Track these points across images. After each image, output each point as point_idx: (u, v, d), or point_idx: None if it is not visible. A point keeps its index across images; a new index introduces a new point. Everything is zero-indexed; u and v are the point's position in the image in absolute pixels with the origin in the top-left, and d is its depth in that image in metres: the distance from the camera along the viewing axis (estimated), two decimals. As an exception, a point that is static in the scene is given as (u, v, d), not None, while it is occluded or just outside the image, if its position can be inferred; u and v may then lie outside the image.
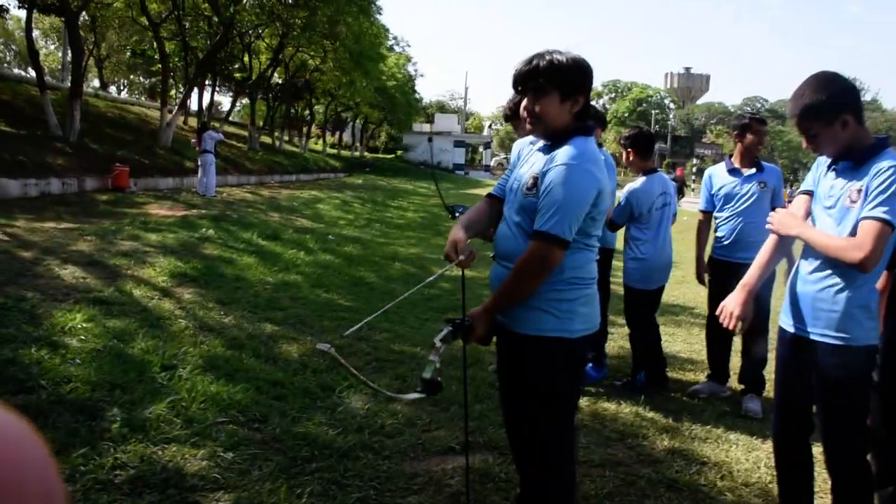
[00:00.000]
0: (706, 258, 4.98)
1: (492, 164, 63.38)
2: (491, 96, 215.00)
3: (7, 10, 19.14)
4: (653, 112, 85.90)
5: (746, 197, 4.64)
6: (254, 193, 18.99)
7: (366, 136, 58.40)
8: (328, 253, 9.47)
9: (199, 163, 16.53)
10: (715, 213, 4.85)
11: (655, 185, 4.70)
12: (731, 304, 2.72)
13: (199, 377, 4.11)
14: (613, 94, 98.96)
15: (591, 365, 5.06)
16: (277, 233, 10.25)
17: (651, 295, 4.89)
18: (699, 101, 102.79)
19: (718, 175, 4.82)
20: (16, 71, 32.63)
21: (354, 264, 8.95)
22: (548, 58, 2.19)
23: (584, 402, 4.48)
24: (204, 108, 30.10)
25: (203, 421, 3.57)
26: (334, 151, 49.76)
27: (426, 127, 63.78)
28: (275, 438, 3.51)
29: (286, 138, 39.60)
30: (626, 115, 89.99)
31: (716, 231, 4.88)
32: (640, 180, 4.71)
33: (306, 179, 30.54)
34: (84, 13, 20.96)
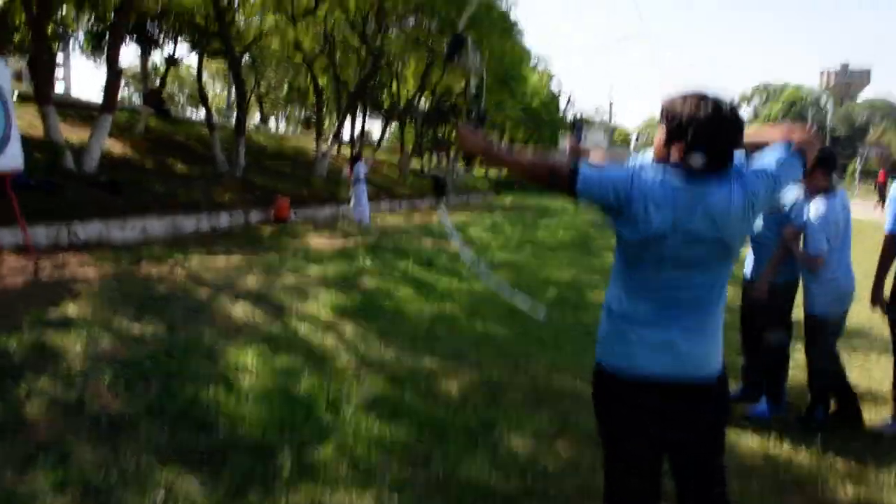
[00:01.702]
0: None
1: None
2: (636, 108, 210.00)
3: (180, 61, 20.84)
4: (809, 112, 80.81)
5: None
6: (406, 219, 19.44)
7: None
8: (481, 280, 9.50)
9: (353, 193, 17.14)
10: None
11: (839, 205, 4.33)
12: None
13: (362, 416, 4.20)
14: (765, 97, 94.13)
15: (766, 401, 4.75)
16: (432, 260, 10.40)
17: (836, 321, 4.47)
18: (860, 99, 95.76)
19: None
20: (188, 112, 35.44)
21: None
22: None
23: (754, 443, 4.20)
24: (356, 136, 31.31)
25: (368, 462, 3.64)
26: (482, 171, 50.21)
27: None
28: (439, 481, 3.51)
29: (434, 162, 40.44)
30: (780, 117, 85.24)
31: None
32: (822, 203, 4.30)
33: (456, 202, 30.98)
34: (246, 55, 22.34)
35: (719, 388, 2.20)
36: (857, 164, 65.22)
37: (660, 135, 2.14)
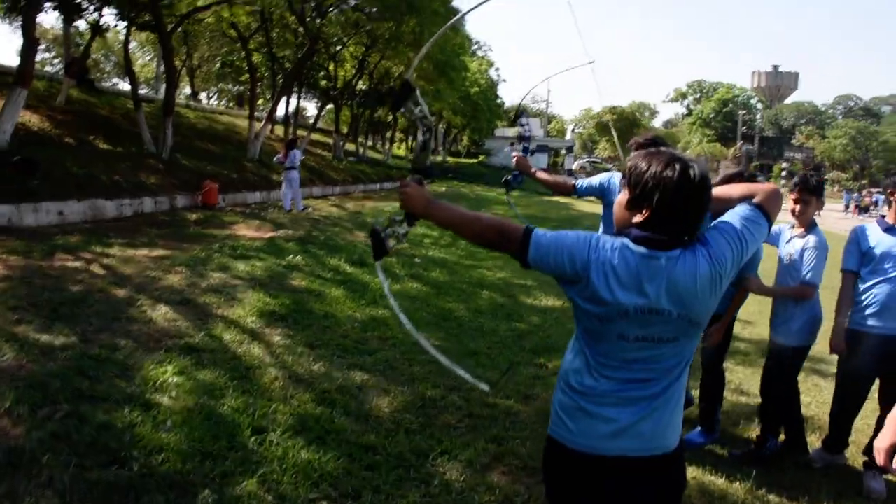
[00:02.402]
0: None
1: (574, 167, 62.51)
2: (573, 99, 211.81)
3: (107, 29, 19.92)
4: (740, 113, 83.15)
5: None
6: (338, 206, 19.09)
7: (448, 141, 58.49)
8: (415, 280, 9.32)
9: (284, 178, 16.78)
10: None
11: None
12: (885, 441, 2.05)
13: (290, 441, 3.98)
14: (698, 95, 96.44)
15: (698, 428, 4.71)
16: (364, 258, 10.15)
17: (807, 351, 4.47)
18: (788, 101, 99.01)
19: (872, 233, 4.22)
20: (114, 81, 34.02)
21: (442, 293, 8.76)
22: None
23: (690, 473, 4.14)
24: (290, 117, 30.66)
25: (295, 499, 3.43)
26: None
27: (509, 131, 63.56)
28: (369, 520, 3.33)
29: (370, 144, 39.99)
30: (712, 115, 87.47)
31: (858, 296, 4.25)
32: (819, 232, 4.27)
33: (390, 188, 30.69)
34: (178, 28, 21.51)
35: (679, 454, 2.07)
36: (782, 166, 67.52)
37: (622, 197, 1.98)
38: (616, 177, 4.38)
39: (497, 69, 60.99)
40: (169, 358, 5.06)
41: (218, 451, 3.79)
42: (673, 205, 1.83)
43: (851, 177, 77.05)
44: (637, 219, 1.88)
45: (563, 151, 70.10)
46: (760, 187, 2.09)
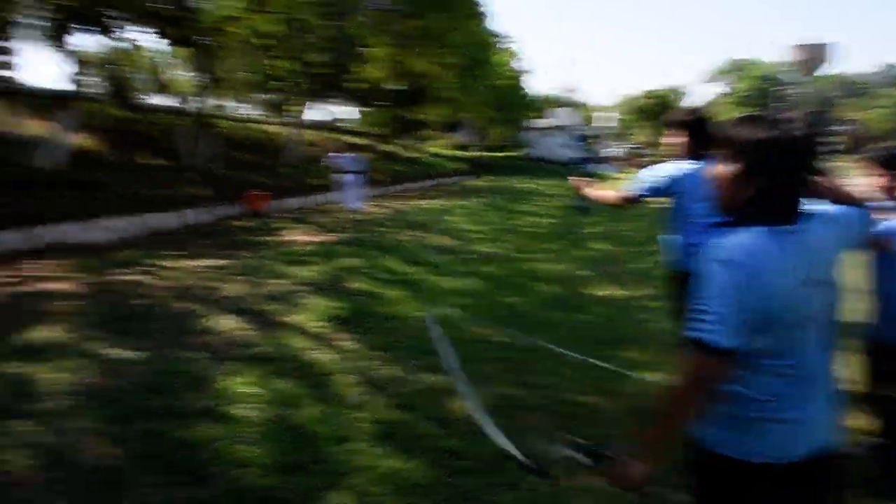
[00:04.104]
0: None
1: (619, 153, 61.63)
2: (604, 83, 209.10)
3: (142, 47, 20.25)
4: (783, 89, 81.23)
5: None
6: (381, 206, 19.03)
7: (481, 136, 58.21)
8: (471, 276, 9.16)
9: (345, 181, 17.51)
10: None
11: None
12: None
13: (374, 450, 3.86)
14: (738, 73, 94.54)
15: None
16: (417, 255, 10.04)
17: None
18: (826, 72, 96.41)
19: None
20: (152, 98, 34.36)
21: (499, 288, 8.60)
22: None
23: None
24: (324, 122, 30.75)
25: (391, 508, 3.30)
26: (452, 153, 49.80)
27: (541, 122, 63.12)
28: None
29: (405, 144, 39.95)
30: (750, 94, 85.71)
31: None
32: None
33: (429, 185, 30.61)
34: (208, 40, 21.66)
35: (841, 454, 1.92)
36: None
37: (727, 171, 1.80)
38: (675, 166, 4.12)
39: (521, 60, 60.60)
40: (240, 368, 4.98)
41: (302, 463, 3.68)
42: (793, 164, 1.75)
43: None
44: (748, 189, 1.76)
45: (597, 139, 69.46)
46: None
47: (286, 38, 23.24)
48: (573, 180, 4.62)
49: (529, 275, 9.68)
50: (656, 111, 71.58)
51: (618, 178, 36.45)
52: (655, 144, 64.93)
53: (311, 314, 6.64)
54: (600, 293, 8.75)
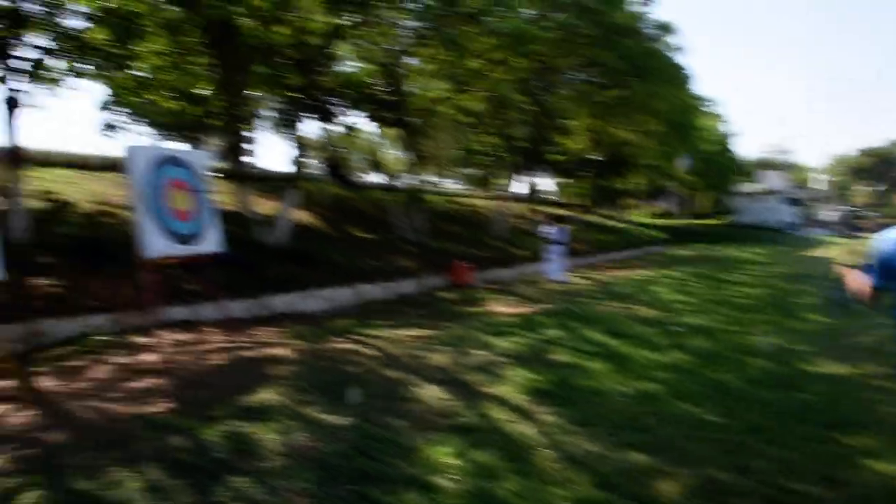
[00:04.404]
0: None
1: (835, 216, 57.42)
2: (815, 143, 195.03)
3: (358, 130, 21.93)
4: None
5: None
6: (585, 277, 18.93)
7: (686, 203, 56.52)
8: (677, 350, 8.83)
9: (548, 251, 17.84)
10: None
11: None
12: None
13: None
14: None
15: None
16: (621, 327, 9.87)
17: None
18: None
19: None
20: (367, 177, 37.03)
21: (709, 363, 8.21)
22: None
23: None
24: (529, 193, 31.32)
25: None
26: (655, 222, 48.70)
27: (750, 187, 60.26)
28: None
29: (606, 213, 39.68)
30: None
31: None
32: None
33: (633, 255, 30.06)
34: (418, 121, 23.02)
35: None
36: None
37: None
38: None
39: (727, 122, 58.39)
40: (443, 438, 5.12)
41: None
42: None
43: None
44: None
45: (811, 203, 64.93)
46: None
47: (490, 115, 24.16)
48: (837, 267, 3.86)
49: (741, 349, 9.17)
50: (876, 170, 65.93)
51: (839, 244, 33.79)
52: (879, 205, 59.63)
53: (512, 385, 6.71)
54: (821, 369, 8.11)
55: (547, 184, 43.24)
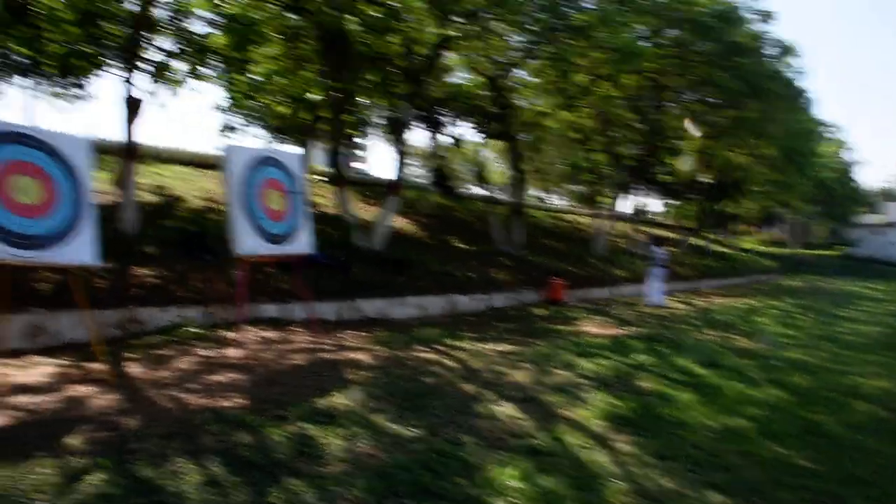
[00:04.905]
0: None
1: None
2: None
3: (464, 141, 22.09)
4: None
5: None
6: (685, 302, 18.35)
7: (801, 232, 54.06)
8: (774, 385, 8.36)
9: (649, 273, 17.46)
10: None
11: None
12: None
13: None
14: None
15: None
16: (715, 358, 9.46)
17: None
18: None
19: None
20: (470, 188, 37.26)
21: (807, 402, 7.73)
22: None
23: None
24: (634, 213, 30.71)
25: None
26: (766, 249, 46.76)
27: (871, 218, 57.04)
28: None
29: (714, 237, 38.41)
30: None
31: None
32: None
33: (738, 283, 28.95)
34: (524, 134, 23.02)
35: None
36: None
37: None
38: None
39: (850, 150, 55.35)
40: (511, 459, 4.99)
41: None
42: None
43: None
44: None
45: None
46: None
47: (598, 132, 23.84)
48: None
49: (844, 390, 8.61)
50: None
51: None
52: None
53: (592, 410, 6.49)
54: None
55: (653, 204, 42.33)
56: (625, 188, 25.31)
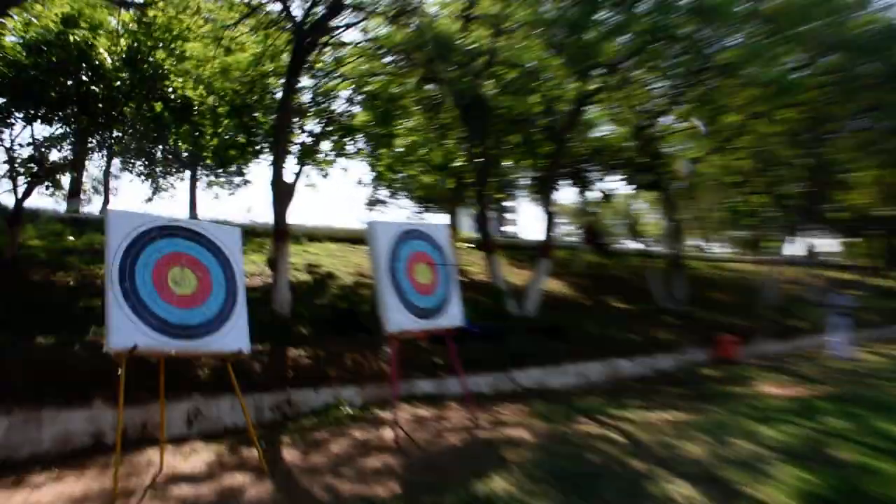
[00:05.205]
0: None
1: None
2: None
3: (613, 195, 21.55)
4: None
5: None
6: (877, 353, 16.52)
7: None
8: None
9: (832, 322, 16.09)
10: None
11: None
12: None
13: None
14: None
15: None
16: (925, 419, 8.22)
17: None
18: None
19: None
20: (625, 243, 36.22)
21: None
22: None
23: None
24: (807, 256, 28.56)
25: None
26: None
27: None
28: None
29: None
30: None
31: None
32: None
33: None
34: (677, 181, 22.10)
35: None
36: None
37: None
38: None
39: None
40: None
41: None
42: None
43: None
44: None
45: None
46: None
47: (756, 173, 22.49)
48: None
49: None
50: None
51: None
52: None
53: (781, 487, 5.64)
54: None
55: (827, 244, 39.29)
56: (792, 230, 23.49)
